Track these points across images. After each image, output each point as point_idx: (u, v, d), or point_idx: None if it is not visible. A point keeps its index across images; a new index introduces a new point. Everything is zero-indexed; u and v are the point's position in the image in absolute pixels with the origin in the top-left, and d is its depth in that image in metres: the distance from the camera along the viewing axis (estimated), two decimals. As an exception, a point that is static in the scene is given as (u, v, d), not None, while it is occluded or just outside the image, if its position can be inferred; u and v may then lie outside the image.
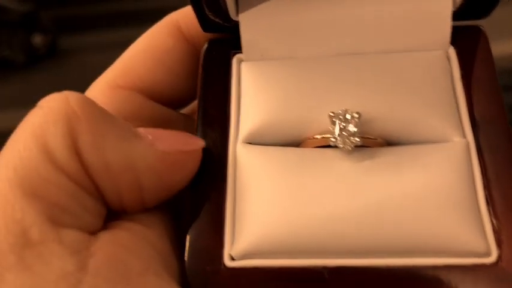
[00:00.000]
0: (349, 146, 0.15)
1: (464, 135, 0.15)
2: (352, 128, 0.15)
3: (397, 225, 0.14)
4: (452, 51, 0.17)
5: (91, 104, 0.13)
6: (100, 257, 0.12)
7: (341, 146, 0.15)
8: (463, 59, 0.17)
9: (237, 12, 0.17)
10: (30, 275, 0.11)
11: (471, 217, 0.14)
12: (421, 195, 0.14)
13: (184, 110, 0.20)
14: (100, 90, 0.17)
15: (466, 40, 0.17)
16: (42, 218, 0.11)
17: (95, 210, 0.13)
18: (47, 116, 0.13)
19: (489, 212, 0.14)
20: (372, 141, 0.15)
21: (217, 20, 0.17)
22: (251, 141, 0.16)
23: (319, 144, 0.16)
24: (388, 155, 0.15)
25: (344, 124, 0.15)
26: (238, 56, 0.18)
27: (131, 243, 0.13)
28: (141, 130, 0.14)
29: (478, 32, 0.17)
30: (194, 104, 0.20)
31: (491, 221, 0.14)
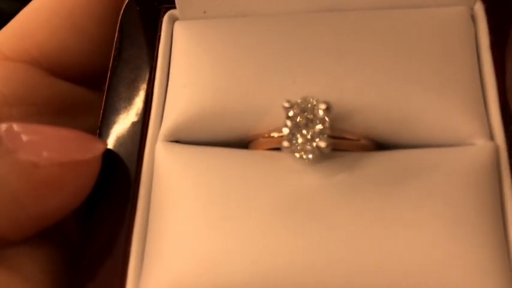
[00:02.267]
0: (311, 154, 0.09)
1: (492, 136, 0.10)
2: (316, 126, 0.09)
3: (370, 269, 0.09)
4: (479, 8, 0.11)
5: None
6: None
7: (297, 155, 0.10)
8: (495, 20, 0.11)
9: None
10: None
11: (497, 264, 0.09)
12: (422, 236, 0.09)
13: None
14: None
15: None
16: None
17: None
18: None
19: None
20: (351, 144, 0.10)
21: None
22: (177, 138, 0.11)
23: (275, 146, 0.10)
24: (375, 166, 0.10)
25: (304, 121, 0.09)
26: (171, 12, 0.12)
27: None
28: (6, 128, 0.09)
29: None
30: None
31: None
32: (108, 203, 0.11)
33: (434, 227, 0.09)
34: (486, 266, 0.09)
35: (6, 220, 0.09)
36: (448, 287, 0.09)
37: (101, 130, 0.11)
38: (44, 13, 0.13)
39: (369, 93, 0.10)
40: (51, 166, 0.09)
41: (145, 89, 0.12)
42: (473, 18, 0.12)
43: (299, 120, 0.10)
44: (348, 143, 0.10)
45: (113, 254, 0.10)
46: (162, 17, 0.12)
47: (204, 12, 0.12)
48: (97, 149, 0.10)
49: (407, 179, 0.10)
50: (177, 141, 0.11)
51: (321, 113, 0.09)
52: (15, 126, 0.10)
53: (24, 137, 0.10)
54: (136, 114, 0.11)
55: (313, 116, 0.10)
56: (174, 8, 0.12)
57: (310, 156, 0.10)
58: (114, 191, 0.11)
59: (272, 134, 0.11)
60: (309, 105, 0.10)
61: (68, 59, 0.13)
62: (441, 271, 0.09)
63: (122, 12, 0.13)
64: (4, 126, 0.10)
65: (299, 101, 0.10)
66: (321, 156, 0.10)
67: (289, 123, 0.10)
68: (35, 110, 0.13)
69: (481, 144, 0.10)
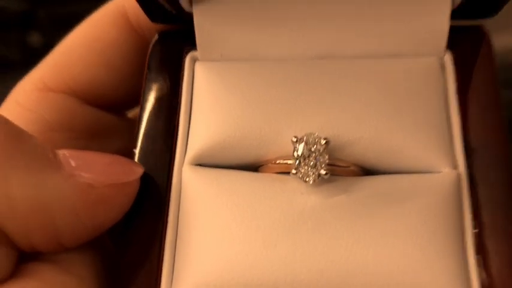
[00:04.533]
0: (313, 179, 0.12)
1: (455, 165, 0.13)
2: (318, 157, 0.12)
3: (356, 271, 0.11)
4: (448, 58, 0.14)
5: (9, 129, 0.11)
6: None
7: (301, 179, 0.12)
8: (461, 68, 0.14)
9: (191, 2, 0.14)
10: None
11: (456, 271, 0.12)
12: (389, 239, 0.11)
13: (132, 114, 0.17)
14: (25, 93, 0.15)
15: (466, 44, 0.14)
16: None
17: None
18: None
19: (479, 264, 0.12)
20: (343, 170, 0.13)
21: (167, 8, 0.14)
22: (201, 163, 0.13)
23: (281, 171, 0.13)
24: (362, 190, 0.12)
25: (308, 152, 0.12)
26: (192, 53, 0.15)
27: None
28: (62, 155, 0.12)
29: (479, 33, 0.14)
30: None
31: (481, 276, 0.12)
32: (143, 217, 0.13)
33: (409, 239, 0.12)
34: (448, 271, 0.12)
35: (67, 232, 0.11)
36: (420, 286, 0.11)
37: (137, 155, 0.13)
38: (80, 50, 0.15)
39: (358, 129, 0.13)
40: (104, 187, 0.11)
41: (172, 120, 0.14)
42: (442, 67, 0.14)
43: (304, 152, 0.12)
44: (340, 169, 0.13)
45: (148, 259, 0.12)
46: (185, 57, 0.15)
47: (221, 55, 0.15)
48: (137, 172, 0.12)
49: (388, 200, 0.12)
50: (200, 165, 0.13)
51: (321, 147, 0.12)
52: (67, 152, 0.12)
53: (76, 162, 0.12)
54: (165, 141, 0.14)
55: (315, 149, 0.12)
56: (195, 49, 0.15)
57: (312, 180, 0.12)
58: (148, 206, 0.13)
59: (278, 161, 0.13)
60: (311, 140, 0.12)
61: (99, 90, 0.15)
62: (415, 274, 0.11)
63: (149, 51, 0.15)
64: (61, 152, 0.12)
65: (304, 136, 0.12)
66: (321, 180, 0.12)
67: (296, 154, 0.12)
68: (73, 135, 0.15)
69: (447, 171, 0.13)
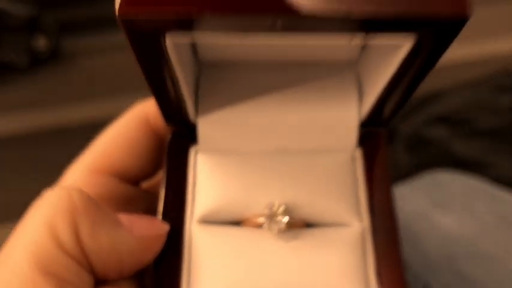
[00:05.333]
0: (275, 231, 0.20)
1: (362, 221, 0.21)
2: (279, 217, 0.20)
3: None
4: (358, 153, 0.22)
5: (88, 199, 0.17)
6: None
7: (271, 229, 0.20)
8: (367, 160, 0.22)
9: (196, 115, 0.22)
10: None
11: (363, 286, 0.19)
12: (322, 272, 0.19)
13: (145, 183, 0.24)
14: (81, 173, 0.21)
15: (370, 143, 0.23)
16: None
17: (88, 281, 0.17)
18: (55, 210, 0.16)
19: (379, 282, 0.20)
20: (294, 224, 0.20)
21: (179, 118, 0.22)
22: (204, 220, 0.21)
23: (256, 225, 0.20)
24: (304, 237, 0.20)
25: (272, 214, 0.20)
26: (195, 147, 0.22)
27: None
28: (122, 217, 0.18)
29: (379, 138, 0.23)
30: (153, 179, 0.24)
31: None
32: (162, 264, 0.20)
33: (327, 268, 0.19)
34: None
35: (127, 267, 0.18)
36: None
37: (161, 217, 0.21)
38: (116, 143, 0.22)
39: (302, 198, 0.21)
40: (148, 238, 0.18)
41: (183, 194, 0.21)
42: (354, 159, 0.22)
43: (271, 213, 0.20)
44: (293, 223, 0.20)
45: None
46: (190, 150, 0.22)
47: (216, 150, 0.22)
48: (165, 228, 0.19)
49: (317, 242, 0.20)
50: (203, 222, 0.21)
51: (281, 210, 0.20)
52: (122, 215, 0.19)
53: (130, 221, 0.19)
54: (180, 207, 0.21)
55: (278, 211, 0.20)
56: (197, 144, 0.22)
57: (275, 232, 0.20)
58: (168, 252, 0.20)
59: (254, 220, 0.21)
60: (275, 206, 0.20)
61: (129, 172, 0.23)
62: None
63: (166, 147, 0.22)
64: (119, 215, 0.19)
65: (271, 203, 0.20)
66: (281, 231, 0.20)
67: (266, 215, 0.20)
68: (114, 204, 0.21)
69: (356, 224, 0.21)
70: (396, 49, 0.17)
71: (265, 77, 0.22)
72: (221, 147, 0.22)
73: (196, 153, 0.22)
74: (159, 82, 0.18)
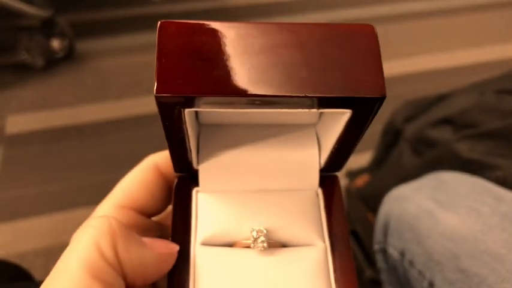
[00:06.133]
0: (260, 248, 0.26)
1: (324, 242, 0.28)
2: (261, 238, 0.26)
3: None
4: (320, 191, 0.30)
5: (122, 225, 0.24)
6: None
7: (255, 248, 0.26)
8: (326, 196, 0.30)
9: (198, 163, 0.29)
10: None
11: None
12: (295, 279, 0.26)
13: (157, 217, 0.31)
14: (109, 208, 0.28)
15: (328, 184, 0.30)
16: None
17: (122, 286, 0.23)
18: (100, 232, 0.23)
19: (336, 285, 0.26)
20: (273, 244, 0.27)
21: (185, 166, 0.29)
22: (205, 243, 0.27)
23: (244, 246, 0.27)
24: (280, 254, 0.27)
25: (257, 235, 0.26)
26: (196, 188, 0.29)
27: None
28: (145, 239, 0.25)
29: (335, 179, 0.30)
30: (163, 213, 0.31)
31: None
32: (174, 275, 0.26)
33: (299, 276, 0.26)
34: None
35: (150, 277, 0.24)
36: None
37: (172, 240, 0.27)
38: (136, 186, 0.29)
39: (278, 225, 0.28)
40: (165, 255, 0.25)
41: (188, 223, 0.28)
42: (317, 195, 0.30)
43: (255, 237, 0.26)
44: (271, 243, 0.27)
45: None
46: (192, 190, 0.29)
47: (213, 191, 0.29)
48: (176, 247, 0.26)
49: (291, 257, 0.27)
50: (204, 244, 0.27)
51: (263, 234, 0.26)
52: (145, 239, 0.25)
53: (149, 242, 0.25)
54: (186, 233, 0.27)
55: (260, 235, 0.26)
56: (198, 186, 0.29)
57: (259, 249, 0.26)
58: (177, 268, 0.26)
59: (242, 241, 0.27)
60: (259, 230, 0.27)
61: (145, 208, 0.29)
62: None
63: (174, 188, 0.29)
64: (144, 238, 0.25)
65: (255, 228, 0.27)
66: (262, 250, 0.26)
67: (252, 238, 0.26)
68: (136, 232, 0.28)
69: (320, 244, 0.28)
70: (341, 116, 0.25)
71: (248, 135, 0.30)
72: (217, 188, 0.29)
73: (197, 192, 0.29)
74: (175, 138, 0.25)
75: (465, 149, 0.56)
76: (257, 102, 0.22)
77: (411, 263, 0.44)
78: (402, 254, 0.46)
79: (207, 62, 0.21)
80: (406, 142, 0.69)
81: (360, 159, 1.03)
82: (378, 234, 0.52)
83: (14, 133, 0.99)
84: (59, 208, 0.99)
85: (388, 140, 0.77)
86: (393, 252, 0.48)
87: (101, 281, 0.22)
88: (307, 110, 0.23)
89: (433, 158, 0.61)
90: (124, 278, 0.23)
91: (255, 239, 0.26)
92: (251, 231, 0.27)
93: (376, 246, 0.53)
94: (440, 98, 0.72)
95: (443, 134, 0.62)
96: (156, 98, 0.21)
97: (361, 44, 0.22)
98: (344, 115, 0.24)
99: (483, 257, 0.39)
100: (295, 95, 0.21)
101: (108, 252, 0.22)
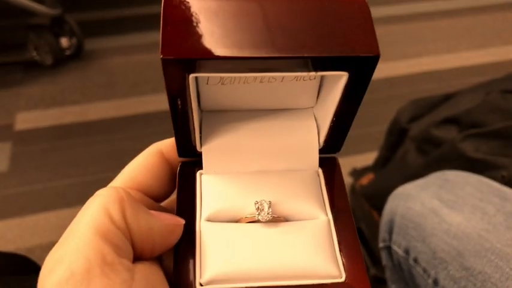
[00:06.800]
0: (264, 219, 0.27)
1: (326, 215, 0.28)
2: (266, 209, 0.27)
3: (286, 263, 0.26)
4: (320, 171, 0.31)
5: (130, 194, 0.24)
6: (140, 275, 0.22)
7: (260, 219, 0.27)
8: (326, 175, 0.30)
9: (201, 146, 0.30)
10: (107, 281, 0.21)
11: (331, 258, 0.26)
12: (300, 247, 0.26)
13: (162, 204, 0.31)
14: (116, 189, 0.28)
15: (327, 165, 0.31)
16: (112, 250, 0.22)
17: (130, 251, 0.23)
18: (108, 199, 0.23)
19: (341, 256, 0.26)
20: (276, 218, 0.28)
21: (189, 149, 0.30)
22: (209, 219, 0.28)
23: (249, 221, 0.27)
24: (284, 227, 0.27)
25: (261, 207, 0.27)
26: (200, 171, 0.30)
27: (152, 270, 0.23)
28: (152, 211, 0.25)
29: (334, 161, 0.31)
30: (168, 200, 0.31)
31: (342, 260, 0.26)
32: (180, 248, 0.26)
33: (304, 245, 0.26)
34: (329, 260, 0.26)
35: (158, 247, 0.24)
36: (315, 269, 0.26)
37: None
38: (141, 170, 0.30)
39: (281, 200, 0.28)
40: (172, 226, 0.25)
41: (193, 201, 0.28)
42: (318, 174, 0.30)
43: (259, 208, 0.27)
44: (275, 218, 0.27)
45: (187, 269, 0.26)
46: (196, 173, 0.30)
47: (216, 172, 0.30)
48: (182, 220, 0.26)
49: (295, 229, 0.27)
50: (209, 221, 0.28)
51: (267, 205, 0.27)
52: (153, 211, 0.26)
53: (157, 213, 0.25)
54: (192, 210, 0.28)
55: (265, 206, 0.27)
56: (202, 169, 0.30)
57: (264, 220, 0.27)
58: (183, 242, 0.26)
59: (247, 216, 0.28)
60: (263, 202, 0.27)
61: (150, 190, 0.30)
62: (310, 263, 0.26)
63: (178, 172, 0.30)
64: (150, 211, 0.25)
65: (259, 200, 0.27)
66: (268, 219, 0.27)
67: (256, 209, 0.27)
68: None
69: (323, 217, 0.28)
70: (338, 83, 0.26)
71: (249, 120, 0.31)
72: (220, 170, 0.30)
73: (201, 175, 0.30)
74: (180, 114, 0.26)
75: (470, 148, 0.56)
76: (256, 68, 0.24)
77: (416, 260, 0.44)
78: (407, 251, 0.46)
79: (209, 28, 0.23)
80: (411, 141, 0.69)
81: (364, 158, 1.04)
82: (382, 232, 0.52)
83: (22, 130, 1.01)
84: (66, 204, 1.00)
85: (393, 139, 0.78)
86: (398, 250, 0.48)
87: (110, 243, 0.22)
88: (305, 74, 0.24)
89: (438, 157, 0.61)
90: (132, 246, 0.24)
91: (261, 210, 0.27)
92: (255, 203, 0.27)
93: (381, 244, 0.53)
94: (446, 98, 0.73)
95: (449, 133, 0.62)
96: (163, 61, 0.22)
97: (354, 12, 0.24)
98: (340, 81, 0.25)
99: (488, 255, 0.39)
100: (293, 55, 0.23)
101: (117, 217, 0.23)
